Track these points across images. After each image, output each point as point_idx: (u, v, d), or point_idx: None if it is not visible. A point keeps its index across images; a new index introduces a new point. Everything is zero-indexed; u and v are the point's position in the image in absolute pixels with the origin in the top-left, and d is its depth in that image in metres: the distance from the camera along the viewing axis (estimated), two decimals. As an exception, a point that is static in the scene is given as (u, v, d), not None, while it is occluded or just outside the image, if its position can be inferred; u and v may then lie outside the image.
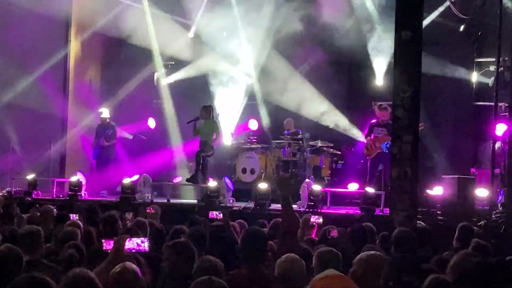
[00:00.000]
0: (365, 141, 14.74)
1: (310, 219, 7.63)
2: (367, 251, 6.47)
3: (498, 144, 12.87)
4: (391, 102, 9.79)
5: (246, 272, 5.22)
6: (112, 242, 5.23)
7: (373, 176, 14.30)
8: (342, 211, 13.22)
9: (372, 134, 14.41)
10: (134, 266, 4.75)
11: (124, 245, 4.87)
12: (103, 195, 15.63)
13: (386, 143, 14.00)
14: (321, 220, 7.94)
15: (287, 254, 5.34)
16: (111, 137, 16.72)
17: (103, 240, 5.44)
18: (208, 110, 15.47)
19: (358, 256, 5.18)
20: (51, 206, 9.73)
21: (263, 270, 5.45)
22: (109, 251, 5.19)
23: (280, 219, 6.75)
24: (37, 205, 10.81)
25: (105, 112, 16.80)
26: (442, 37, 16.08)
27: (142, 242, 4.92)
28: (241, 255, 5.56)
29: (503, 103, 13.22)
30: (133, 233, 7.11)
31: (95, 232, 7.98)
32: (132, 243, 4.88)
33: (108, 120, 16.78)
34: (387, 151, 14.04)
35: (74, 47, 18.15)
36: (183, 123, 17.34)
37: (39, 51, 17.00)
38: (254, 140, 16.65)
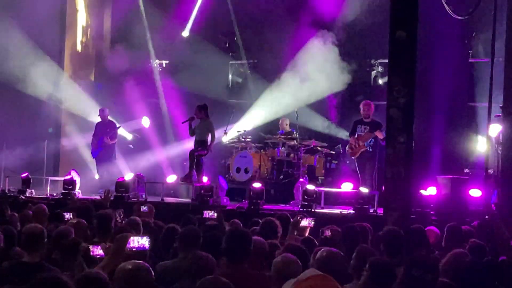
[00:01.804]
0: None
1: (301, 221, 7.61)
2: (361, 250, 6.50)
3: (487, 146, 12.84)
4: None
5: (230, 272, 5.24)
6: (99, 247, 5.25)
7: (365, 175, 14.25)
8: (336, 211, 13.24)
9: (355, 133, 14.28)
10: (146, 264, 4.78)
11: (125, 243, 4.89)
12: (100, 194, 15.57)
13: (369, 140, 13.99)
14: (313, 223, 7.93)
15: (283, 254, 5.35)
16: (115, 135, 16.67)
17: (90, 246, 5.45)
18: (203, 110, 15.44)
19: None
20: (44, 205, 9.72)
21: (247, 270, 5.47)
22: (97, 256, 5.20)
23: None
24: (30, 204, 10.77)
25: (106, 110, 16.72)
26: (437, 37, 16.11)
27: (144, 240, 4.94)
28: (225, 255, 5.57)
29: (497, 104, 13.23)
30: (126, 232, 7.11)
31: (90, 230, 7.98)
32: (133, 242, 4.91)
33: (108, 118, 16.72)
34: (371, 150, 14.04)
35: (69, 44, 18.15)
36: (177, 122, 17.35)
37: (34, 49, 16.94)
38: (248, 139, 16.64)
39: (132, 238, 4.93)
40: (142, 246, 4.94)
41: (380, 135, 13.81)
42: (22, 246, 6.30)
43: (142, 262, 4.79)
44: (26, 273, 5.74)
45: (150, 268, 4.77)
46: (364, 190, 13.07)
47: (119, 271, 4.72)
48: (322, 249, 5.45)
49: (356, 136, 14.19)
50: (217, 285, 4.19)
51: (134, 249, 4.92)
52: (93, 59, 19.24)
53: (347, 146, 14.55)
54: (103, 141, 16.47)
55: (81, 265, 5.60)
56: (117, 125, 16.80)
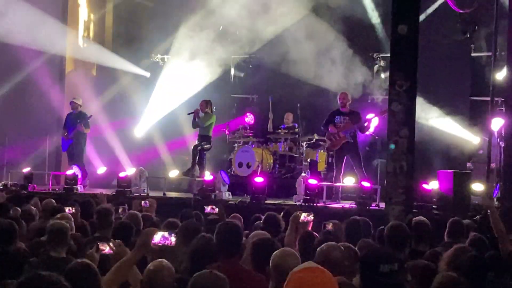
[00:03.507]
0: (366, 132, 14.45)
1: (300, 216, 7.60)
2: (363, 245, 6.50)
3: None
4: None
5: (222, 265, 5.24)
6: (106, 244, 5.26)
7: (340, 168, 14.07)
8: (338, 205, 13.24)
9: (331, 125, 14.07)
10: (168, 263, 4.78)
11: (150, 238, 4.90)
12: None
13: (349, 131, 13.89)
14: (312, 217, 7.91)
15: (282, 248, 5.34)
16: (88, 124, 16.20)
17: (98, 242, 5.46)
18: (207, 104, 15.42)
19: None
20: (52, 200, 9.73)
21: (239, 263, 5.48)
22: (106, 253, 5.22)
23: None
24: (35, 198, 10.75)
25: (79, 101, 16.45)
26: (439, 31, 16.11)
27: (169, 236, 4.95)
28: (217, 249, 5.58)
29: (499, 98, 13.23)
30: (127, 227, 7.13)
31: (89, 225, 7.99)
32: (158, 237, 4.91)
33: (80, 108, 16.35)
34: (352, 140, 13.93)
35: (71, 39, 18.14)
36: (179, 117, 17.35)
37: (35, 45, 16.93)
38: (250, 134, 16.64)
39: (157, 233, 4.94)
40: (167, 242, 4.94)
41: (367, 122, 13.74)
42: (48, 242, 6.35)
43: (164, 261, 4.80)
44: (56, 267, 5.80)
45: (172, 268, 4.78)
46: (366, 184, 13.06)
47: (145, 270, 4.75)
48: (323, 244, 5.45)
49: (335, 126, 14.05)
50: (211, 279, 4.19)
51: (159, 244, 4.93)
52: (95, 53, 19.23)
53: (326, 139, 14.39)
54: (74, 132, 16.04)
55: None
56: (89, 115, 16.30)
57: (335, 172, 14.09)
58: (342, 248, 5.46)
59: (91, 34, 18.99)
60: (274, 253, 5.03)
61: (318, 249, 5.31)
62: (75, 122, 16.02)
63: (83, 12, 18.65)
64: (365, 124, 13.90)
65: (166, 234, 4.95)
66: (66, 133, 16.12)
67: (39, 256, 6.38)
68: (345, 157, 14.01)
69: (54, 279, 3.54)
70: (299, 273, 3.72)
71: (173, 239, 4.95)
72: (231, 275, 4.74)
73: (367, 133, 14.33)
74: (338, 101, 14.22)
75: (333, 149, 14.26)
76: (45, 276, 3.56)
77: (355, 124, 13.89)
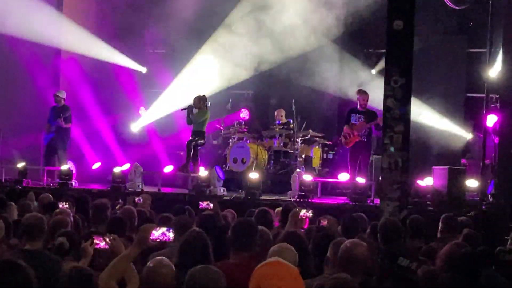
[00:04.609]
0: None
1: (299, 213, 7.61)
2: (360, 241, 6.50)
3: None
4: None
5: (235, 261, 5.24)
6: (101, 239, 5.25)
7: (355, 166, 14.01)
8: (333, 201, 13.25)
9: (346, 125, 14.08)
10: (168, 261, 4.78)
11: (149, 234, 4.90)
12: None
13: (363, 130, 13.88)
14: (311, 214, 7.92)
15: (280, 243, 5.35)
16: (69, 119, 16.02)
17: (94, 236, 5.44)
18: (201, 100, 15.39)
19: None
20: (50, 195, 9.69)
21: (252, 259, 5.48)
22: (100, 248, 5.21)
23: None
24: (30, 193, 10.71)
25: (62, 94, 16.34)
26: (434, 28, 16.11)
27: (167, 231, 4.95)
28: (231, 244, 5.58)
29: (494, 95, 13.25)
30: (122, 222, 7.12)
31: (84, 220, 7.97)
32: (157, 233, 4.91)
33: (63, 102, 16.20)
34: (365, 139, 13.93)
35: (66, 36, 18.06)
36: (174, 112, 17.31)
37: (29, 36, 16.86)
38: (245, 129, 16.63)
39: (155, 229, 4.94)
40: (165, 238, 4.94)
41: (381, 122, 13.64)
42: (23, 235, 6.32)
43: (164, 258, 4.81)
44: (27, 260, 5.75)
45: (172, 265, 4.78)
46: (360, 180, 13.07)
47: (145, 268, 4.75)
48: (347, 241, 5.42)
49: (350, 125, 14.05)
50: (207, 274, 4.19)
51: (158, 240, 4.93)
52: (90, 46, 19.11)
53: (342, 135, 14.38)
54: (56, 125, 15.89)
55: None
56: (70, 109, 16.09)
57: (349, 170, 14.03)
58: (366, 245, 5.43)
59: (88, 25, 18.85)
60: (271, 248, 5.04)
61: (342, 246, 5.28)
62: (58, 116, 15.95)
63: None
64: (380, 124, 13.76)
65: (164, 230, 4.95)
66: (49, 127, 16.06)
67: (12, 249, 6.32)
68: (359, 156, 13.95)
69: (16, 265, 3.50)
70: (262, 268, 3.71)
71: (171, 234, 4.96)
72: (244, 271, 4.75)
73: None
74: (359, 101, 14.13)
75: (347, 147, 14.23)
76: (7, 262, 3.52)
77: (369, 123, 13.83)
